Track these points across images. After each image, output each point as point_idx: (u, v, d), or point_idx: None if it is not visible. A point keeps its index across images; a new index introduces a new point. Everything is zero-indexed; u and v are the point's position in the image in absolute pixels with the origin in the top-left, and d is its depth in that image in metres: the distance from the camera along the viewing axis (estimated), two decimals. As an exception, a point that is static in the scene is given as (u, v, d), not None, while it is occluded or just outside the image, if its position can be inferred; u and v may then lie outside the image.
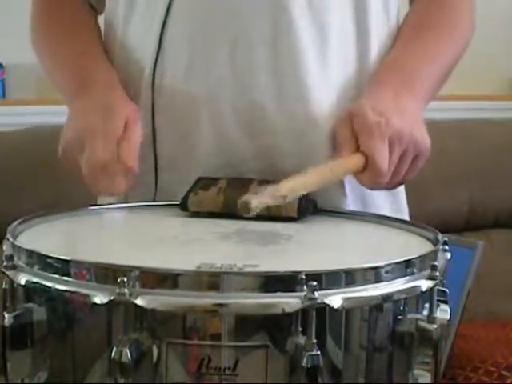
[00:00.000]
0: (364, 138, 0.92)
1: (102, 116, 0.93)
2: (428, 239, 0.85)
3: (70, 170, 0.95)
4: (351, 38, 1.01)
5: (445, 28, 1.06)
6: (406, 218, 1.10)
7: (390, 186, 0.97)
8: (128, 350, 0.65)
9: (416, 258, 0.73)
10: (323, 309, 0.66)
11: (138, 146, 0.93)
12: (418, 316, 0.72)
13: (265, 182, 0.96)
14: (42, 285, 0.70)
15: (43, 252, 0.72)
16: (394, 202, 1.09)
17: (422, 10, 1.08)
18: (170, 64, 0.98)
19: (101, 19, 1.12)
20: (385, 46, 1.04)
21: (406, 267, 0.72)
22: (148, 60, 1.00)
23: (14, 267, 0.72)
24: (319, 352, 0.65)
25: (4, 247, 0.77)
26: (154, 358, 0.66)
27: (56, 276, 0.70)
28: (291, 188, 0.84)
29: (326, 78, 0.99)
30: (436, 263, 0.73)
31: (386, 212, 1.04)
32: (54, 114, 1.06)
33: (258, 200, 0.81)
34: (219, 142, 0.99)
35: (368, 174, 0.92)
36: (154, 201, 1.01)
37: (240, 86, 0.97)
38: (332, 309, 0.66)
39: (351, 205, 1.02)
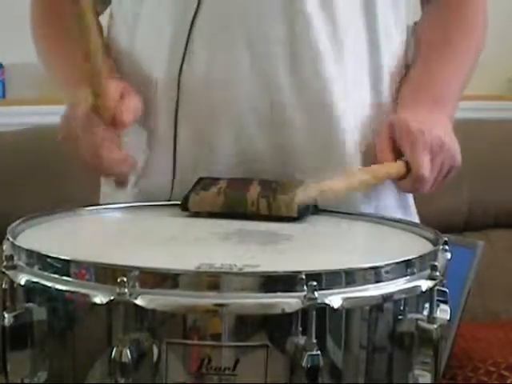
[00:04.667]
0: (407, 145, 0.96)
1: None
2: (428, 239, 0.85)
3: (71, 153, 0.97)
4: (362, 36, 1.01)
5: (463, 39, 1.08)
6: (414, 218, 1.10)
7: (426, 192, 1.00)
8: (128, 350, 0.65)
9: (416, 257, 0.73)
10: (323, 309, 0.66)
11: (135, 107, 0.95)
12: (418, 316, 0.72)
13: (265, 182, 0.96)
14: (41, 285, 0.70)
15: (43, 252, 0.72)
16: (401, 200, 1.08)
17: (437, 19, 1.10)
18: (193, 68, 0.99)
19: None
20: (394, 41, 1.05)
21: (406, 267, 0.72)
22: (164, 63, 1.00)
23: (14, 267, 0.72)
24: (319, 352, 0.65)
25: (4, 247, 0.77)
26: (154, 358, 0.66)
27: (56, 276, 0.70)
28: (333, 187, 0.88)
29: (342, 74, 0.99)
30: (436, 263, 0.73)
31: (394, 211, 1.04)
32: (54, 114, 1.06)
33: (302, 195, 0.87)
34: (238, 143, 1.00)
35: (410, 181, 0.96)
36: (156, 201, 1.01)
37: (259, 86, 0.98)
38: (332, 309, 0.66)
39: (352, 204, 1.02)
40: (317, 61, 0.98)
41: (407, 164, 0.96)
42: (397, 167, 0.96)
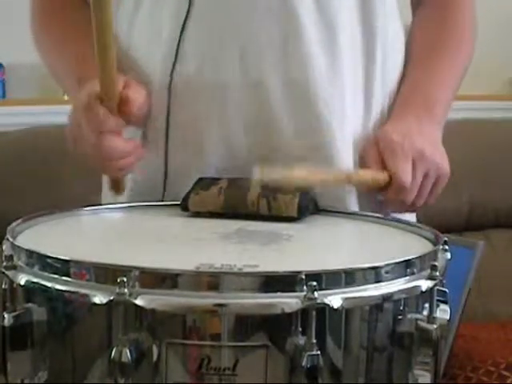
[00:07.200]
0: (388, 156, 0.97)
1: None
2: (428, 239, 0.85)
3: (80, 157, 0.97)
4: (359, 39, 1.01)
5: (452, 48, 1.09)
6: (410, 218, 1.10)
7: (414, 208, 1.01)
8: (128, 350, 0.65)
9: (416, 257, 0.73)
10: (323, 309, 0.66)
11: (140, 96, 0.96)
12: (418, 316, 0.72)
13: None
14: (41, 285, 0.70)
15: (43, 252, 0.72)
16: None
17: (427, 28, 1.10)
18: (184, 69, 0.99)
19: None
20: (389, 46, 1.05)
21: (406, 267, 0.72)
22: (158, 65, 1.00)
23: (14, 267, 0.72)
24: (319, 352, 0.65)
25: (4, 247, 0.77)
26: (154, 358, 0.66)
27: (56, 276, 0.70)
28: (303, 176, 0.88)
29: (335, 80, 0.99)
30: (436, 263, 0.73)
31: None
32: (54, 114, 1.06)
33: (266, 171, 0.85)
34: (227, 146, 0.99)
35: (392, 190, 0.97)
36: (156, 201, 1.01)
37: (249, 90, 0.98)
38: (332, 309, 0.66)
39: (352, 204, 1.02)
40: (307, 64, 0.97)
41: (390, 173, 0.97)
42: (376, 175, 0.97)
